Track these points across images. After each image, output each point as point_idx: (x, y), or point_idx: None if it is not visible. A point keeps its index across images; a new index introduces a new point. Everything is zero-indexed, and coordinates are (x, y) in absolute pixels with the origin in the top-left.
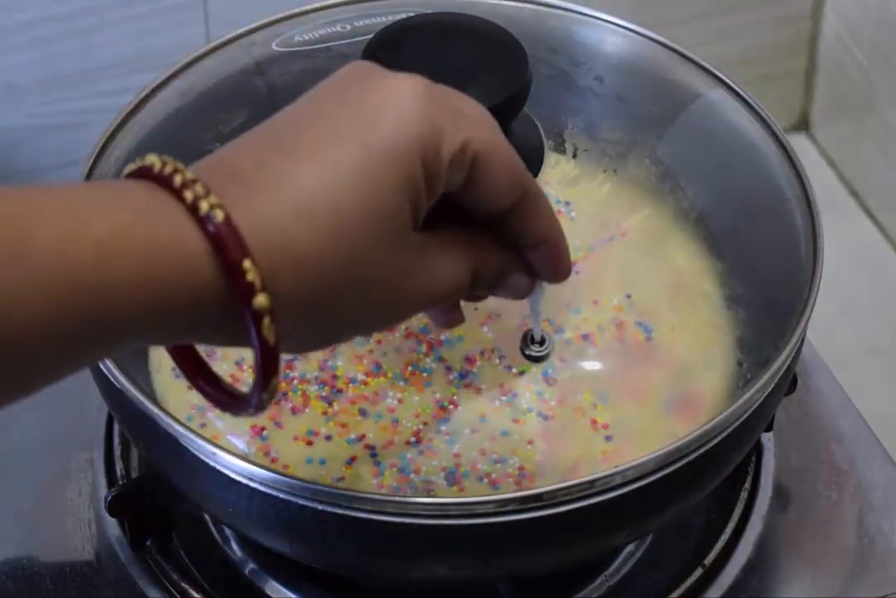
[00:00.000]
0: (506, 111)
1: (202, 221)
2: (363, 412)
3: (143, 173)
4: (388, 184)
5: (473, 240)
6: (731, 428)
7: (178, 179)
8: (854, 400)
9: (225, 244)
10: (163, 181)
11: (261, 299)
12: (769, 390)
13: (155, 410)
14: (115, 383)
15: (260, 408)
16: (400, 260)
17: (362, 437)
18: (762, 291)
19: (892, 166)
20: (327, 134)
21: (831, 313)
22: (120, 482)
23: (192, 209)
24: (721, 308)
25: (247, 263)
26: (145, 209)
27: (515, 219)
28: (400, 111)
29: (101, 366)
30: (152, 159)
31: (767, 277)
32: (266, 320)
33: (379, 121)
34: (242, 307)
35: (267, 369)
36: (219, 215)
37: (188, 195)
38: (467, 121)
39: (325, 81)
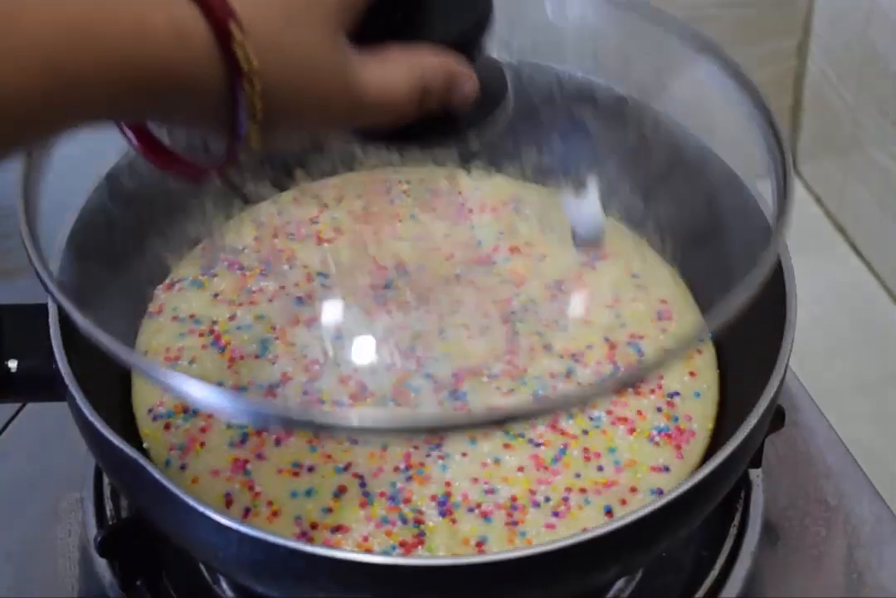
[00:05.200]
0: (471, 38)
1: None
2: (350, 439)
3: None
4: None
5: (417, 52)
6: (715, 464)
7: None
8: (842, 436)
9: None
10: None
11: (241, 48)
12: (751, 427)
13: (138, 458)
14: (100, 430)
15: (231, 161)
16: (344, 53)
17: (349, 466)
18: (743, 332)
19: (878, 203)
20: None
21: (819, 349)
22: (110, 523)
23: None
24: (707, 341)
25: (232, 25)
26: None
27: None
28: None
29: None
30: None
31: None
32: (238, 43)
33: None
34: (227, 57)
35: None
36: None
37: None
38: None
39: None
